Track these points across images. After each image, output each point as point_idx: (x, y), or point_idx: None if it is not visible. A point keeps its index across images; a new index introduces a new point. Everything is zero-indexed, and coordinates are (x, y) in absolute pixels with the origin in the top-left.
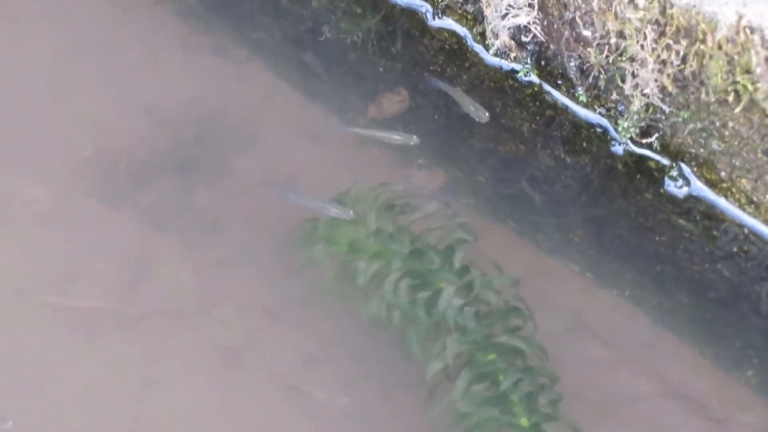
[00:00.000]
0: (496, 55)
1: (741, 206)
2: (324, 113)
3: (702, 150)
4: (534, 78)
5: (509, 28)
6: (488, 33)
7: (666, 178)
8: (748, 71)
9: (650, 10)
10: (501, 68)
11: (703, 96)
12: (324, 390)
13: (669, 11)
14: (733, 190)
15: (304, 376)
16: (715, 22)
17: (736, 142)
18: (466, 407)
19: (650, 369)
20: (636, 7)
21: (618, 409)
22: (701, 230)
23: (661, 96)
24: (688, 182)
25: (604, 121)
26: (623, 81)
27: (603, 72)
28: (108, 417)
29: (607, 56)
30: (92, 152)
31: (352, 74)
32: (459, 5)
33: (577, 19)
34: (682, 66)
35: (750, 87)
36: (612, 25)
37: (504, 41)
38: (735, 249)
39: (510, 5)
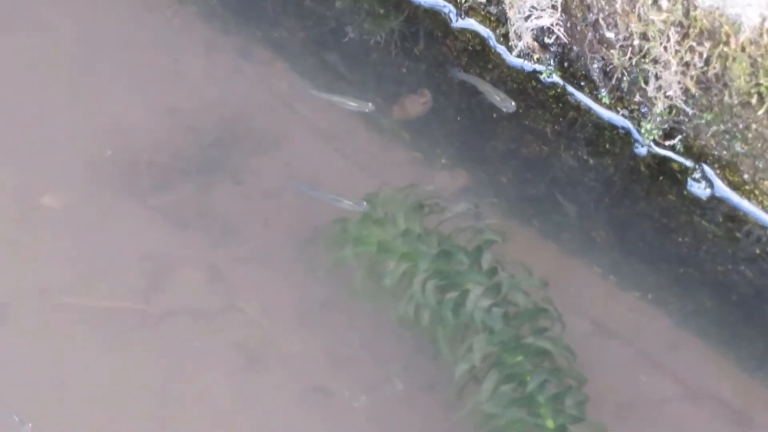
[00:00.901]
0: (519, 56)
1: (764, 208)
2: (347, 114)
3: (725, 152)
4: (557, 79)
5: (532, 30)
6: (511, 34)
7: (689, 180)
8: None
9: (673, 12)
10: (524, 69)
11: (726, 98)
12: (348, 391)
13: (692, 13)
14: (756, 192)
15: (329, 378)
16: (739, 24)
17: (759, 144)
18: (492, 408)
19: (673, 371)
20: (659, 8)
21: (641, 412)
22: (724, 232)
23: (684, 98)
24: (711, 184)
25: (627, 123)
26: (646, 83)
27: (626, 74)
28: (129, 419)
29: (630, 58)
30: (114, 153)
31: (376, 75)
32: (482, 6)
33: (601, 20)
34: (706, 68)
35: None
36: (635, 27)
37: (527, 42)
38: (758, 251)
39: (533, 7)
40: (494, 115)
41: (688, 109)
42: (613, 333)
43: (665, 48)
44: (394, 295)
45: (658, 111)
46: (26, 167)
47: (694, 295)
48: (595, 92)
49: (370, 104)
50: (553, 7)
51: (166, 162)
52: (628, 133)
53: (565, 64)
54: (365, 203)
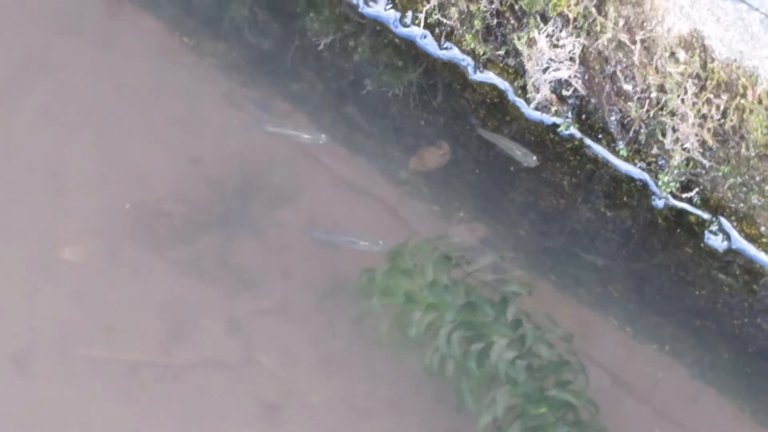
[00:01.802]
0: (536, 108)
1: None
2: (366, 167)
3: (742, 204)
4: (575, 131)
5: (550, 82)
6: (529, 87)
7: (706, 233)
8: None
9: (691, 64)
10: (542, 122)
11: (743, 150)
12: None
13: (710, 65)
14: None
15: (349, 429)
16: (756, 76)
17: None
18: None
19: (691, 424)
20: (677, 60)
21: None
22: (741, 284)
23: (701, 150)
24: (728, 236)
25: (645, 176)
26: (664, 135)
27: (643, 126)
28: None
29: (647, 110)
30: (133, 204)
31: (394, 127)
32: (500, 59)
33: (618, 72)
34: (723, 120)
35: None
36: (653, 79)
37: (545, 95)
38: None
39: (551, 59)
40: (512, 168)
41: (705, 162)
42: (631, 386)
43: (682, 100)
44: (419, 345)
45: (675, 163)
46: (46, 217)
47: (712, 347)
48: (612, 144)
49: (323, 136)
50: (571, 59)
51: (185, 213)
52: (645, 185)
53: (583, 117)
54: (381, 242)
